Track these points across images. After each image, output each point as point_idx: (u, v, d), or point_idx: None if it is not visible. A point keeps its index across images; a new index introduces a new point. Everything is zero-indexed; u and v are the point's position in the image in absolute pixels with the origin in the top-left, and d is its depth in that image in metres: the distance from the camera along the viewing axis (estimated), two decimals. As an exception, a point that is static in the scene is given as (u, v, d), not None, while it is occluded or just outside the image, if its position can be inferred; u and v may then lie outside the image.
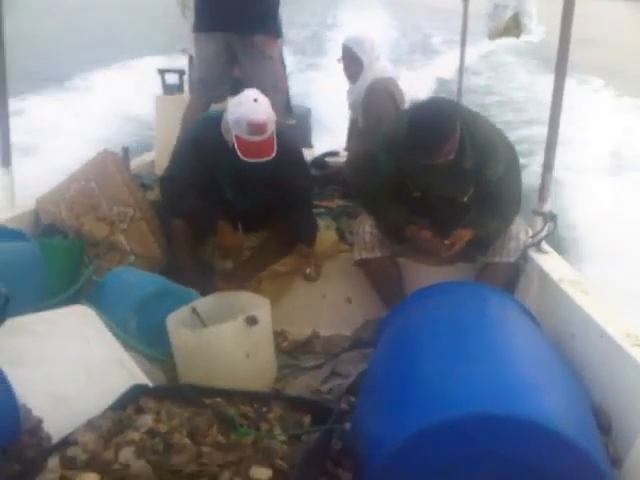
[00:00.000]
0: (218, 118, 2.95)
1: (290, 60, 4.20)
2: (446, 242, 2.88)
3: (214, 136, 2.93)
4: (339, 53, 3.84)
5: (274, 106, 3.56)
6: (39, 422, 1.67)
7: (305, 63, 13.71)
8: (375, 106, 3.62)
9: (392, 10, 23.34)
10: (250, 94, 2.86)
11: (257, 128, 2.77)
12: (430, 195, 2.97)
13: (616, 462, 1.85)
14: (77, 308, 2.23)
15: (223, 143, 2.91)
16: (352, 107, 3.97)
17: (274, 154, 2.82)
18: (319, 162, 4.43)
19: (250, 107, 2.79)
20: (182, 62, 4.99)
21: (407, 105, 3.60)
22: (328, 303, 3.26)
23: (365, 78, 3.71)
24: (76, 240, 2.91)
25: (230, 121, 2.82)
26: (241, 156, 2.79)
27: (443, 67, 13.25)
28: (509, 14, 3.63)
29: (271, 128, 2.82)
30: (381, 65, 3.75)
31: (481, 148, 2.83)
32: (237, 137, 2.80)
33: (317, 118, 5.56)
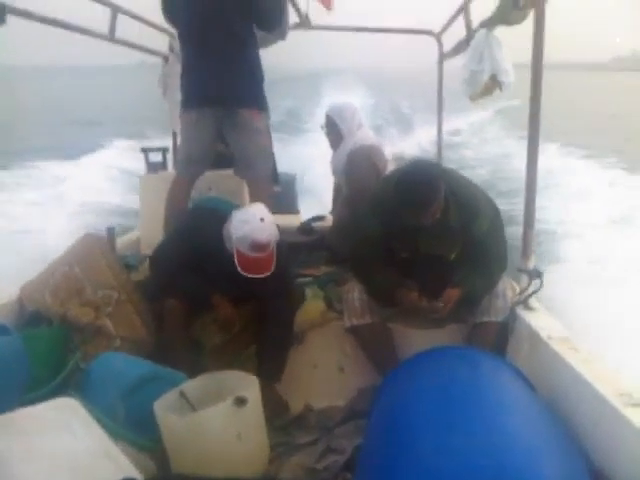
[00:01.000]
0: (217, 213, 3.02)
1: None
2: (440, 304, 2.88)
3: (212, 233, 2.98)
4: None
5: (262, 174, 3.61)
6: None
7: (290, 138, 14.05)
8: (357, 174, 3.68)
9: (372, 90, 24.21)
10: (257, 212, 2.90)
11: (260, 247, 2.83)
12: (418, 255, 2.98)
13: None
14: (63, 401, 2.18)
15: (219, 242, 2.95)
16: (335, 173, 4.03)
17: (272, 270, 2.85)
18: (305, 228, 4.46)
19: (256, 227, 2.83)
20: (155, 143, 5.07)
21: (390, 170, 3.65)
22: (320, 373, 3.21)
23: (346, 145, 3.79)
24: (61, 327, 2.88)
25: (234, 235, 2.86)
26: (240, 271, 2.82)
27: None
28: (486, 77, 3.72)
29: (272, 245, 2.87)
30: (362, 133, 3.83)
31: (465, 206, 2.88)
32: (238, 251, 2.85)
33: (303, 185, 5.63)
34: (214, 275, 3.01)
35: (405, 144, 14.10)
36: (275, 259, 2.87)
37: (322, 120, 3.96)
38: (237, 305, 3.08)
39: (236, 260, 2.82)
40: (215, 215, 3.04)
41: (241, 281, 2.87)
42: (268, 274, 2.84)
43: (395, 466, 1.78)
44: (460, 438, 1.75)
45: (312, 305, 3.25)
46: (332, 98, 20.95)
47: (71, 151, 12.91)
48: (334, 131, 3.88)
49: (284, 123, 16.74)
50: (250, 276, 2.83)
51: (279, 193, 4.74)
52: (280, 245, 2.97)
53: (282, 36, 4.15)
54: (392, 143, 13.45)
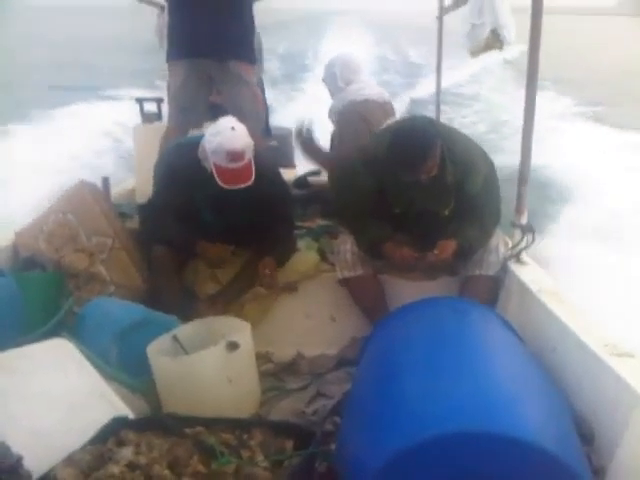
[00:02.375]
0: (192, 144, 2.98)
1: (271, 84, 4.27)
2: (435, 252, 2.89)
3: (190, 162, 2.96)
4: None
5: (253, 130, 3.59)
6: (19, 459, 1.66)
7: (289, 86, 13.81)
8: (345, 133, 3.64)
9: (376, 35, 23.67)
10: (227, 123, 2.90)
11: (235, 156, 2.81)
12: (411, 211, 2.99)
13: (599, 472, 1.85)
14: (57, 342, 2.21)
15: (200, 169, 2.93)
16: (331, 121, 4.00)
17: (252, 180, 2.84)
18: (301, 182, 4.44)
19: (228, 135, 2.83)
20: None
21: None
22: (312, 323, 3.25)
23: (341, 98, 3.74)
24: (55, 272, 2.90)
25: (208, 150, 2.85)
26: (220, 183, 2.82)
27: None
28: (487, 31, 3.67)
29: (249, 155, 2.86)
30: (359, 85, 3.76)
31: (460, 163, 2.87)
32: (215, 165, 2.84)
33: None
34: (209, 212, 3.02)
35: (417, 93, 13.81)
36: (254, 169, 2.86)
37: (321, 70, 3.91)
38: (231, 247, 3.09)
39: (215, 175, 2.82)
40: (191, 145, 3.02)
41: (240, 211, 2.89)
42: (249, 184, 2.84)
43: (382, 409, 1.81)
44: (446, 383, 1.78)
45: (306, 256, 3.27)
46: (332, 43, 20.59)
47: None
48: (332, 83, 3.84)
49: (280, 70, 16.39)
50: (230, 188, 2.82)
51: (275, 147, 4.71)
52: (278, 172, 3.03)
53: None
54: (402, 96, 13.15)
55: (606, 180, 7.77)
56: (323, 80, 3.90)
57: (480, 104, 14.09)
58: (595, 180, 7.77)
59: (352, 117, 3.63)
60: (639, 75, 16.97)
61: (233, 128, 2.85)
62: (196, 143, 2.96)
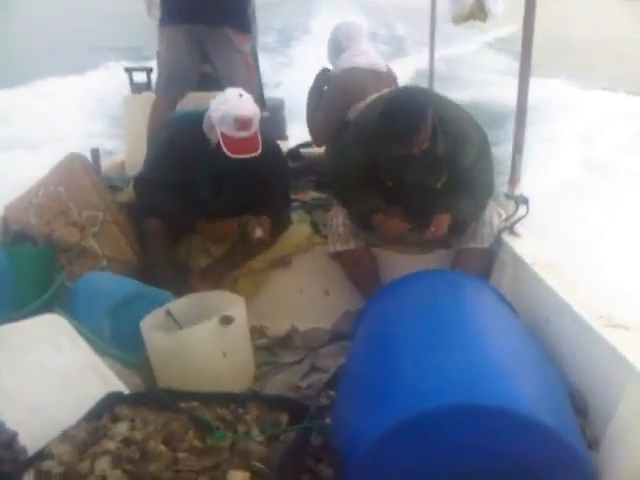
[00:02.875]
0: (195, 116, 2.93)
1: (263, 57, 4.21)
2: (431, 229, 2.87)
3: (193, 135, 2.91)
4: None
5: None
6: (14, 435, 1.66)
7: (279, 58, 13.63)
8: (326, 101, 3.61)
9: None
10: (234, 90, 2.87)
11: (244, 123, 2.76)
12: (403, 183, 2.96)
13: (593, 444, 1.86)
14: (49, 317, 2.20)
15: (203, 142, 2.89)
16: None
17: (259, 150, 2.80)
18: (294, 153, 4.40)
19: (236, 103, 2.79)
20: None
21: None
22: (306, 297, 3.24)
23: (335, 65, 3.69)
24: (47, 246, 2.87)
25: (215, 118, 2.79)
26: (227, 153, 2.76)
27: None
28: None
29: (256, 124, 2.82)
30: (349, 53, 3.68)
31: (453, 134, 2.83)
32: (223, 134, 2.78)
33: (291, 109, 5.51)
34: (208, 188, 3.00)
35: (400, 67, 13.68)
36: (261, 140, 2.82)
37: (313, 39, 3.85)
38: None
39: (222, 144, 2.77)
40: (194, 118, 2.96)
41: (240, 187, 2.87)
42: (256, 154, 2.80)
43: (378, 383, 1.81)
44: (442, 355, 1.79)
45: (299, 229, 3.25)
46: (323, 18, 20.40)
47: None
48: (331, 49, 3.77)
49: (274, 42, 16.24)
50: (238, 157, 2.78)
51: (267, 118, 4.66)
52: (278, 145, 3.03)
53: None
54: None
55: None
56: (327, 46, 3.83)
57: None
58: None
59: (332, 87, 3.58)
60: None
61: (241, 95, 2.82)
62: (200, 115, 2.91)
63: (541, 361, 1.97)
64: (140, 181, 3.07)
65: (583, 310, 2.16)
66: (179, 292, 2.70)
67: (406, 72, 12.26)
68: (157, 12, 4.37)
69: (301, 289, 3.25)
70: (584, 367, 2.10)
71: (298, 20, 23.16)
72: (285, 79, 10.41)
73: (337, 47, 3.68)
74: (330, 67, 3.77)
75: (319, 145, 3.92)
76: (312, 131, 3.78)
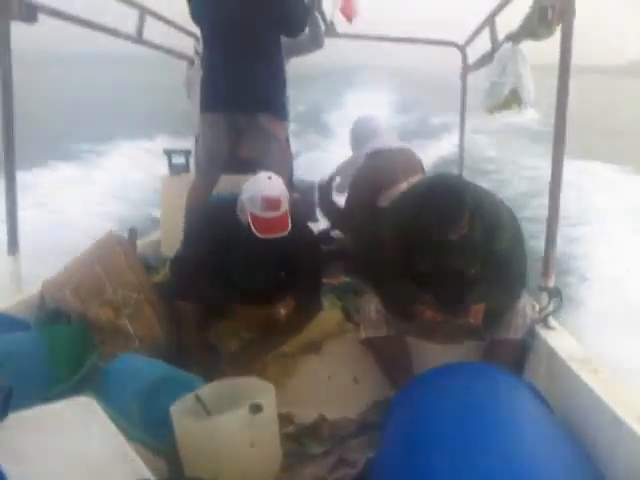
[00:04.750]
0: (230, 200, 3.02)
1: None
2: (471, 321, 2.85)
3: (228, 218, 3.00)
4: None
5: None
6: (40, 523, 1.63)
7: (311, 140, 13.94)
8: (355, 188, 3.69)
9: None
10: (264, 173, 2.98)
11: (271, 203, 2.84)
12: (436, 270, 2.96)
13: None
14: (80, 400, 2.19)
15: (237, 225, 2.97)
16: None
17: (288, 231, 2.85)
18: (324, 236, 4.44)
19: (264, 184, 2.89)
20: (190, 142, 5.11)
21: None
22: (334, 384, 3.20)
23: (355, 158, 3.81)
24: (81, 325, 2.90)
25: (245, 199, 2.89)
26: (256, 233, 2.83)
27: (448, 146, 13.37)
28: (507, 90, 3.69)
29: (285, 205, 2.89)
30: (372, 143, 3.78)
31: (489, 220, 2.85)
32: (252, 214, 2.86)
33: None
34: (239, 272, 3.03)
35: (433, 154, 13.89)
36: (292, 222, 2.88)
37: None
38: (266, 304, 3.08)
39: (251, 223, 2.83)
40: (229, 203, 3.05)
41: (269, 265, 2.93)
42: (285, 233, 2.85)
43: (409, 481, 1.77)
44: (477, 456, 1.75)
45: (329, 315, 3.25)
46: (355, 97, 20.96)
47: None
48: (352, 143, 3.91)
49: (306, 119, 16.56)
50: (266, 237, 2.83)
51: (298, 201, 4.74)
52: (309, 227, 3.09)
53: (318, 45, 4.21)
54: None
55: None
56: (349, 139, 3.96)
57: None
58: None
59: (358, 176, 3.66)
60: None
61: (270, 177, 2.92)
62: (235, 199, 3.00)
63: (578, 461, 1.91)
64: (176, 262, 3.13)
65: (622, 410, 2.09)
66: (209, 375, 2.69)
67: (430, 157, 12.48)
68: (195, 96, 4.57)
69: (330, 376, 3.21)
70: (623, 469, 2.02)
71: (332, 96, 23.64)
72: (316, 157, 10.58)
73: (359, 138, 3.82)
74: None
75: (342, 230, 3.98)
76: (329, 215, 3.87)
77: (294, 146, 4.61)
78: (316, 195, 5.45)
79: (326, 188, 3.91)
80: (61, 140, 12.59)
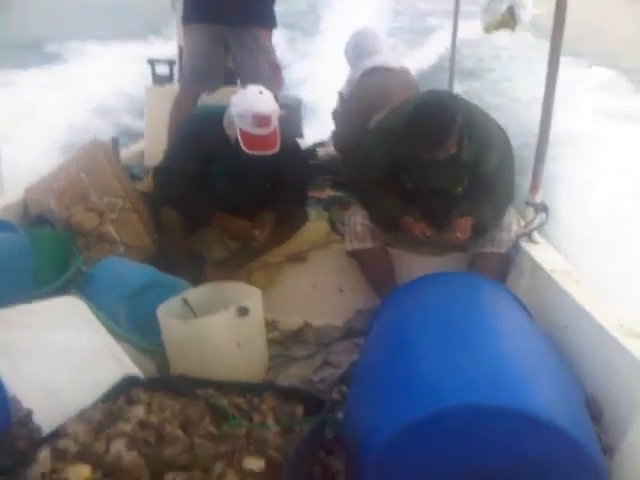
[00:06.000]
0: (218, 113, 2.94)
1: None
2: (457, 235, 2.86)
3: (214, 130, 2.93)
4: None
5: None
6: (29, 413, 1.66)
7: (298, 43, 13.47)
8: (350, 106, 3.67)
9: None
10: (255, 87, 2.88)
11: (262, 120, 2.77)
12: (424, 187, 2.96)
13: (607, 451, 1.85)
14: (66, 299, 2.21)
15: (223, 138, 2.90)
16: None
17: (277, 148, 2.81)
18: (310, 153, 4.40)
19: (255, 100, 2.80)
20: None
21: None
22: (319, 293, 3.25)
23: (353, 72, 3.74)
24: (65, 230, 2.88)
25: (234, 114, 2.81)
26: (245, 149, 2.77)
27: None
28: (504, 7, 3.61)
29: (275, 122, 2.82)
30: (369, 59, 3.70)
31: (478, 141, 2.83)
32: (242, 130, 2.79)
33: (309, 106, 5.52)
34: (225, 182, 3.01)
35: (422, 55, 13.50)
36: (280, 137, 2.82)
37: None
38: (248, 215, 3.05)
39: (240, 140, 2.78)
40: (216, 114, 2.97)
41: (257, 183, 2.89)
42: (274, 151, 2.80)
43: (395, 379, 1.81)
44: (460, 356, 1.79)
45: (316, 225, 3.24)
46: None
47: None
48: (349, 56, 3.82)
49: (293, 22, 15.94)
50: (255, 153, 2.78)
51: (283, 117, 4.66)
52: (298, 143, 3.05)
53: None
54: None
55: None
56: (344, 54, 3.86)
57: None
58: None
59: (352, 94, 3.61)
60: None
61: (261, 92, 2.83)
62: (222, 112, 2.92)
63: (558, 367, 1.97)
64: (159, 171, 3.08)
65: (603, 318, 2.14)
66: (194, 282, 2.71)
67: (429, 59, 12.15)
68: (180, 6, 4.40)
69: (315, 285, 3.26)
70: (601, 375, 2.08)
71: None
72: (303, 64, 10.28)
73: (355, 54, 3.74)
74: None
75: (340, 150, 3.94)
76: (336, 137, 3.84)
77: (285, 56, 4.48)
78: (301, 111, 5.39)
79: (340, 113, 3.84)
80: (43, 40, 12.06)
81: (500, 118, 3.07)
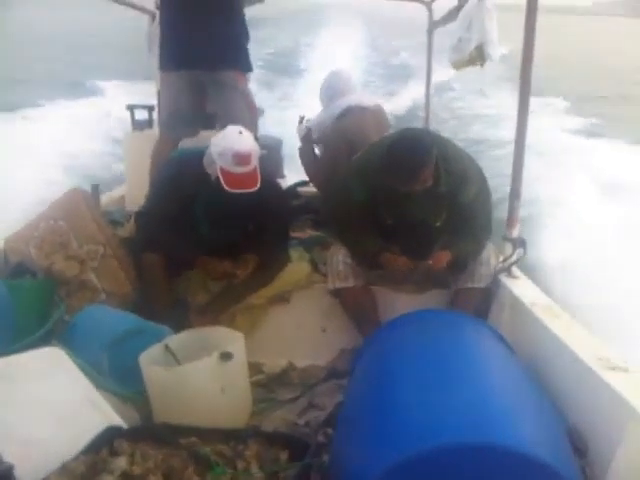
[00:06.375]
0: (197, 154, 2.97)
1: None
2: (429, 262, 2.90)
3: (194, 171, 2.95)
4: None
5: None
6: (10, 467, 1.64)
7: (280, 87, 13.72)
8: (329, 153, 3.72)
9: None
10: (234, 128, 2.92)
11: (242, 159, 2.80)
12: (403, 221, 3.00)
13: (592, 484, 1.86)
14: (47, 350, 2.19)
15: (204, 177, 2.92)
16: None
17: (258, 186, 2.83)
18: (291, 192, 4.45)
19: (235, 139, 2.84)
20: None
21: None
22: (303, 333, 3.25)
23: (326, 113, 3.80)
24: (46, 279, 2.86)
25: (214, 153, 2.84)
26: (226, 187, 2.79)
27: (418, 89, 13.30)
28: (473, 46, 3.70)
29: (255, 161, 2.85)
30: (342, 100, 3.78)
31: (455, 173, 2.89)
32: (222, 169, 2.81)
33: (289, 147, 5.57)
34: (207, 224, 3.02)
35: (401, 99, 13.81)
36: (260, 176, 2.85)
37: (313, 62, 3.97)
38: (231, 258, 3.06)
39: (221, 178, 2.80)
40: (196, 155, 3.00)
41: (238, 223, 2.92)
42: (255, 189, 2.82)
43: (378, 421, 1.81)
44: (441, 394, 1.79)
45: (298, 267, 3.26)
46: (327, 39, 20.59)
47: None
48: (323, 99, 3.90)
49: (275, 62, 16.15)
50: (235, 191, 2.80)
51: (264, 157, 4.71)
52: (277, 182, 3.08)
53: None
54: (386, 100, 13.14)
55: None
56: (319, 96, 3.94)
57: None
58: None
59: (332, 134, 3.67)
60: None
61: (240, 132, 2.87)
62: (201, 153, 2.95)
63: (540, 401, 1.97)
64: (141, 216, 3.09)
65: (582, 351, 2.17)
66: (177, 328, 2.69)
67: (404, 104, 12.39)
68: (157, 52, 4.46)
69: (298, 326, 3.25)
70: (583, 408, 2.10)
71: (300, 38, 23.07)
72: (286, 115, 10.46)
73: (329, 94, 3.83)
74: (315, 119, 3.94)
75: (316, 187, 3.99)
76: (314, 179, 3.89)
77: (263, 100, 4.55)
78: (282, 151, 5.45)
79: (307, 139, 3.89)
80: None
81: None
